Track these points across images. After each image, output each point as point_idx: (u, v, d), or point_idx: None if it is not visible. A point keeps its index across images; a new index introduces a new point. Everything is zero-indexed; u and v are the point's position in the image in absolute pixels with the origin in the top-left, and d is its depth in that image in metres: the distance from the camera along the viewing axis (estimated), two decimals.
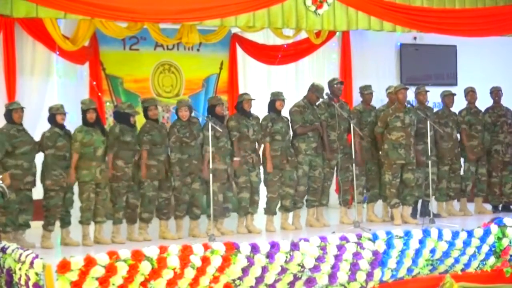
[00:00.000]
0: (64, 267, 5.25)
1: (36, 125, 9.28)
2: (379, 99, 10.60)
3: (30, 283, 5.46)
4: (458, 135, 10.32)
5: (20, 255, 5.75)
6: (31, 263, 5.49)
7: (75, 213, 8.66)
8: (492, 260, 6.68)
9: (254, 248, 5.82)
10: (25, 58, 9.92)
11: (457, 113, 10.35)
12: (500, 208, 10.54)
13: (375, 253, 6.20)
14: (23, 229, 8.40)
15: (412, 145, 9.58)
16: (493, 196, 10.54)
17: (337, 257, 6.09)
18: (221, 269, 5.71)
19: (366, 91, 10.10)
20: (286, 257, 5.89)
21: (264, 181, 9.34)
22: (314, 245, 6.02)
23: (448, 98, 10.23)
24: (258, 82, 11.57)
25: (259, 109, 9.52)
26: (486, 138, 10.42)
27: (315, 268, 5.99)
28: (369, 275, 6.18)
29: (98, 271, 5.31)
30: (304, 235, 7.81)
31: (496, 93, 10.50)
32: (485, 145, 10.41)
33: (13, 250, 6.00)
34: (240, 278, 5.77)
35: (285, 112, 9.50)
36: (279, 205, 9.40)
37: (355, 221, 9.10)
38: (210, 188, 8.58)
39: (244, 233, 9.05)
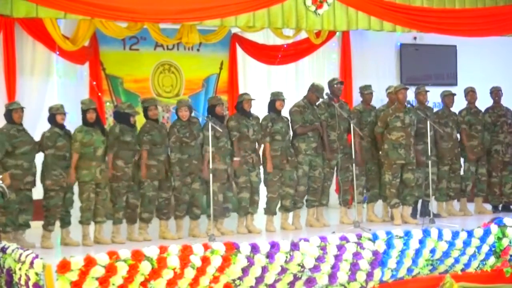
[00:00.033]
0: (64, 267, 5.25)
1: (36, 125, 9.27)
2: (379, 99, 10.60)
3: (30, 283, 5.46)
4: (458, 135, 10.31)
5: (20, 255, 5.75)
6: (31, 263, 5.48)
7: (75, 213, 8.66)
8: (492, 260, 6.67)
9: (254, 248, 5.82)
10: (25, 58, 9.91)
11: (457, 113, 10.35)
12: (500, 208, 10.54)
13: (375, 253, 6.20)
14: (23, 229, 8.39)
15: (412, 145, 9.58)
16: (493, 196, 10.54)
17: (337, 257, 6.09)
18: (221, 269, 5.71)
19: (366, 91, 10.10)
20: (286, 257, 5.88)
21: (264, 181, 9.33)
22: (314, 245, 6.02)
23: (448, 98, 10.23)
24: (258, 82, 11.56)
25: (259, 109, 9.52)
26: (486, 138, 10.42)
27: (315, 268, 5.99)
28: (369, 275, 6.18)
29: (98, 271, 5.31)
30: (304, 235, 7.81)
31: (496, 93, 10.49)
32: (485, 145, 10.41)
33: (13, 250, 5.99)
34: (240, 278, 5.77)
35: (285, 112, 9.50)
36: (279, 205, 9.39)
37: (355, 221, 9.10)
38: (210, 188, 8.57)
39: (244, 233, 9.05)
